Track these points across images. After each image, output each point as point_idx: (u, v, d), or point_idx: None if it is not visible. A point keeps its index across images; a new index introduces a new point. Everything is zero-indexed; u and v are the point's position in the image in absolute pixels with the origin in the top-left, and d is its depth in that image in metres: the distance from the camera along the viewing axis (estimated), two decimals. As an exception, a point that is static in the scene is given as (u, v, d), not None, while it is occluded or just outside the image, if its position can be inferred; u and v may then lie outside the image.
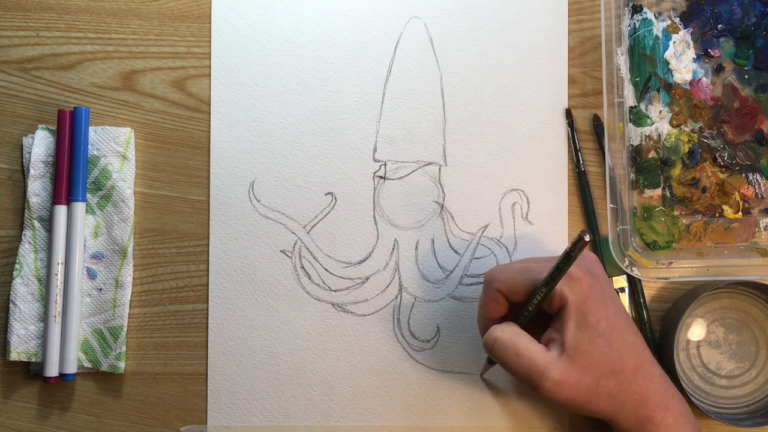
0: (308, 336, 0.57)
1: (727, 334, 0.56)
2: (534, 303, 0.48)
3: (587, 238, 0.43)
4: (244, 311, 0.57)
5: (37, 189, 0.56)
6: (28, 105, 0.58)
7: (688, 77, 0.57)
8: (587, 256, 0.49)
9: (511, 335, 0.47)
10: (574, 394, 0.46)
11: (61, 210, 0.55)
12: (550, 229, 0.57)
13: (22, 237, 0.56)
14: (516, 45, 0.58)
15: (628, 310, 0.57)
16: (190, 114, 0.58)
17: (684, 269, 0.55)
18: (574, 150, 0.57)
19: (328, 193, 0.58)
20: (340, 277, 0.57)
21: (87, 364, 0.56)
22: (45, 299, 0.56)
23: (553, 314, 0.48)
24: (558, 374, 0.46)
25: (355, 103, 0.58)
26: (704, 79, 0.57)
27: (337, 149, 0.58)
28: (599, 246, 0.57)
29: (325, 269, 0.57)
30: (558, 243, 0.57)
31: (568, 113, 0.58)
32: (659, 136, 0.57)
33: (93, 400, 0.57)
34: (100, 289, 0.56)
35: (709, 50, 0.57)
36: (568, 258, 0.44)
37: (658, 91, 0.57)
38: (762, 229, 0.57)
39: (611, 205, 0.55)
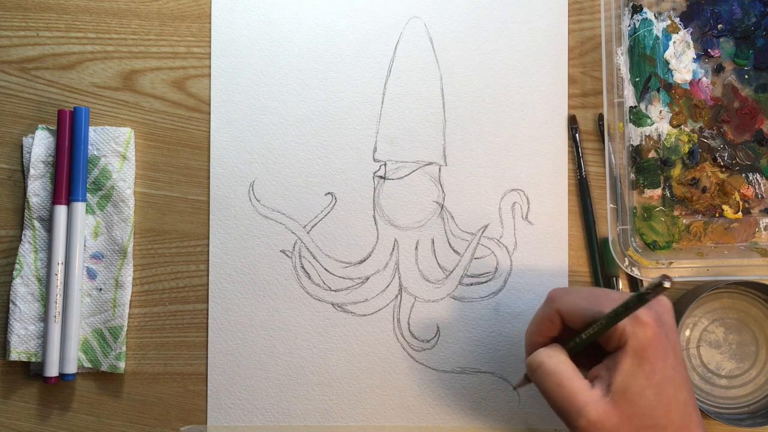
0: (308, 336, 0.57)
1: (727, 334, 0.56)
2: (589, 333, 0.45)
3: (667, 284, 0.39)
4: (244, 311, 0.57)
5: (37, 189, 0.56)
6: (28, 105, 0.58)
7: (688, 77, 0.57)
8: (662, 302, 0.46)
9: (556, 364, 0.46)
10: None
11: (61, 210, 0.55)
12: (550, 229, 0.57)
13: (22, 237, 0.56)
14: (516, 45, 0.58)
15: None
16: (190, 114, 0.58)
17: (684, 269, 0.55)
18: (577, 157, 0.57)
19: (328, 193, 0.58)
20: (340, 277, 0.57)
21: (87, 364, 0.56)
22: (45, 299, 0.56)
23: (610, 351, 0.46)
24: (596, 415, 0.44)
25: (355, 103, 0.58)
26: (704, 79, 0.57)
27: (337, 149, 0.58)
28: (598, 247, 0.57)
29: (325, 269, 0.57)
30: (558, 243, 0.57)
31: (573, 120, 0.57)
32: (659, 136, 0.57)
33: (93, 400, 0.57)
34: (100, 289, 0.56)
35: (709, 50, 0.57)
36: (640, 299, 0.42)
37: (658, 91, 0.57)
38: (762, 229, 0.57)
39: (611, 205, 0.55)
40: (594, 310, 0.45)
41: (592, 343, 0.46)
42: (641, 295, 0.41)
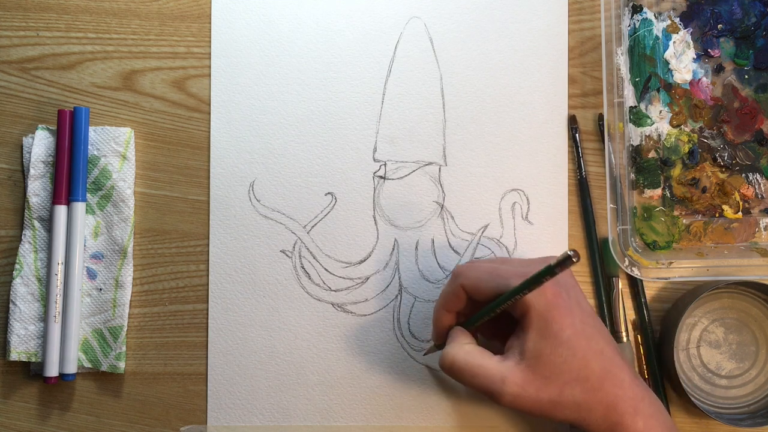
0: (308, 336, 0.57)
1: (727, 334, 0.56)
2: (493, 307, 0.47)
3: (575, 259, 0.41)
4: (244, 311, 0.57)
5: (37, 189, 0.56)
6: (28, 105, 0.58)
7: (688, 77, 0.57)
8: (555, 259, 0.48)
9: (464, 356, 0.47)
10: (536, 404, 0.45)
11: (61, 210, 0.55)
12: (550, 229, 0.57)
13: (22, 237, 0.56)
14: (516, 45, 0.58)
15: (630, 310, 0.57)
16: (190, 114, 0.58)
17: (684, 269, 0.55)
18: (577, 157, 0.57)
19: (328, 193, 0.58)
20: (340, 277, 0.57)
21: (87, 364, 0.56)
22: (45, 299, 0.56)
23: (517, 318, 0.47)
24: (515, 386, 0.45)
25: (355, 103, 0.58)
26: (704, 79, 0.57)
27: (337, 149, 0.58)
28: (598, 247, 0.57)
29: (325, 269, 0.57)
30: (558, 243, 0.57)
31: (573, 120, 0.58)
32: (659, 136, 0.57)
33: (93, 400, 0.57)
34: (100, 289, 0.56)
35: (709, 50, 0.57)
36: (550, 273, 0.43)
37: (658, 91, 0.57)
38: (762, 229, 0.57)
39: (611, 205, 0.55)
40: (495, 282, 0.47)
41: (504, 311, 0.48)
42: (550, 270, 0.42)
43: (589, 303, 0.48)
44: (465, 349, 0.48)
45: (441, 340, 0.52)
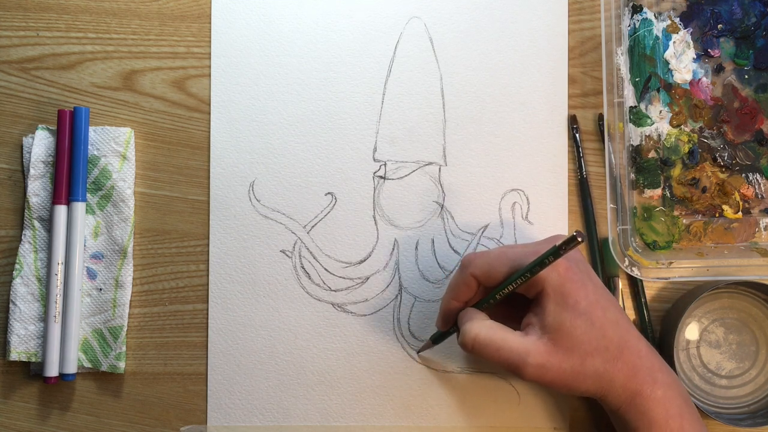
0: (308, 336, 0.57)
1: (727, 334, 0.56)
2: (505, 291, 0.48)
3: (580, 239, 0.43)
4: (244, 311, 0.57)
5: (37, 189, 0.56)
6: (28, 105, 0.58)
7: (688, 77, 0.57)
8: (560, 239, 0.49)
9: (487, 332, 0.48)
10: (559, 376, 0.46)
11: (61, 210, 0.55)
12: (550, 229, 0.57)
13: (22, 237, 0.56)
14: (516, 45, 0.58)
15: (630, 310, 0.57)
16: (190, 114, 0.58)
17: (684, 269, 0.55)
18: (578, 157, 0.57)
19: (328, 193, 0.58)
20: (340, 277, 0.57)
21: (87, 364, 0.56)
22: (45, 299, 0.56)
23: (531, 298, 0.48)
24: (539, 358, 0.46)
25: (355, 103, 0.58)
26: (704, 79, 0.57)
27: (337, 149, 0.58)
28: (598, 247, 0.57)
29: (325, 269, 0.57)
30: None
31: (574, 119, 0.58)
32: (659, 136, 0.57)
33: (93, 400, 0.57)
34: (100, 289, 0.56)
35: (709, 50, 0.57)
36: (555, 254, 0.45)
37: (658, 91, 0.57)
38: (762, 229, 0.57)
39: (611, 205, 0.55)
40: (506, 265, 0.48)
41: (513, 296, 0.49)
42: (556, 251, 0.44)
43: (597, 276, 0.49)
44: (487, 324, 0.48)
45: (448, 325, 0.52)
